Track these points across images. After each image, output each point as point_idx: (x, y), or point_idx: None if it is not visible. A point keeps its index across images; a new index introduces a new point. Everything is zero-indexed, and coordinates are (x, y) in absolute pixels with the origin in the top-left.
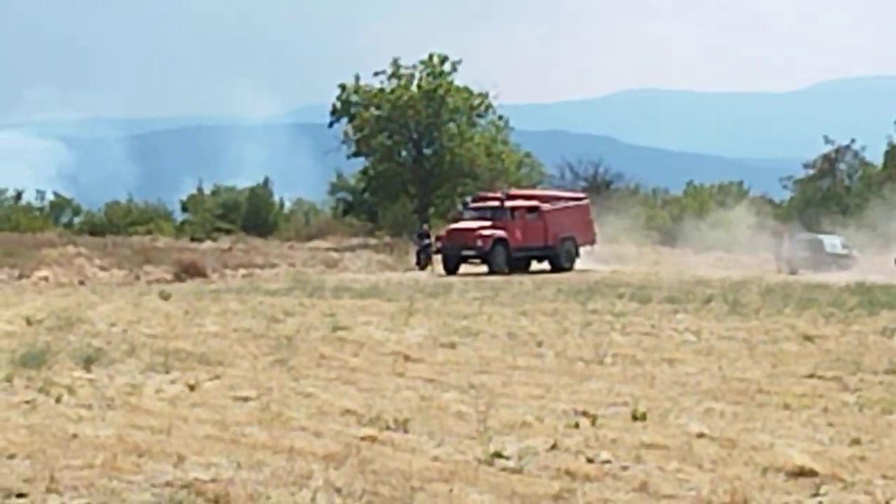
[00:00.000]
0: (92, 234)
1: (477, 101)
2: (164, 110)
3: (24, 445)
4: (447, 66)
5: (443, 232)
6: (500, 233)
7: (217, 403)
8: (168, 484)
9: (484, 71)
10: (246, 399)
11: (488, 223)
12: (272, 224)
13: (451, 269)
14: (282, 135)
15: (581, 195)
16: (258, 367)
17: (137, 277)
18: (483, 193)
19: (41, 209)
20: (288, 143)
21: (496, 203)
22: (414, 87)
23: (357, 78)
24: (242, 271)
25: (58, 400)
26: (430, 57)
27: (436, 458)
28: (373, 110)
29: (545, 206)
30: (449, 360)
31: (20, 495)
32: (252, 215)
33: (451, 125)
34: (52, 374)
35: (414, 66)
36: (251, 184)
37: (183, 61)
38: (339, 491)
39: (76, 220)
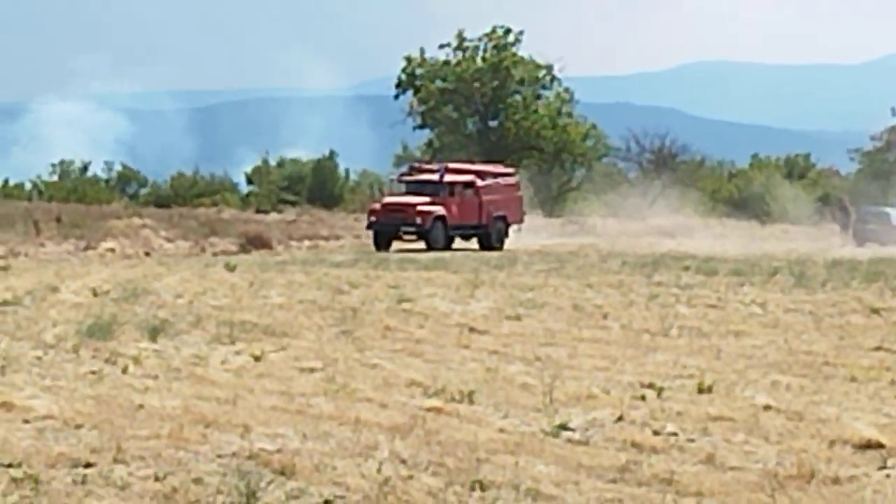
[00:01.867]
0: (158, 205)
1: (542, 73)
2: (225, 83)
3: (91, 416)
4: (511, 38)
5: (376, 206)
6: (440, 210)
7: (283, 374)
8: (234, 454)
9: (549, 43)
10: (311, 370)
11: (426, 199)
12: (337, 196)
13: (383, 246)
14: (342, 107)
15: (511, 170)
16: (323, 339)
17: (203, 249)
18: (419, 165)
19: (108, 181)
20: (349, 115)
21: (434, 177)
22: (479, 60)
23: (422, 51)
24: (307, 243)
25: (124, 371)
26: (494, 29)
27: (501, 430)
28: (438, 83)
29: (480, 183)
30: (514, 331)
31: (87, 465)
32: (317, 187)
33: (517, 97)
34: (119, 345)
35: (479, 39)
36: (315, 156)
37: (246, 33)
38: (404, 462)
39: (142, 191)
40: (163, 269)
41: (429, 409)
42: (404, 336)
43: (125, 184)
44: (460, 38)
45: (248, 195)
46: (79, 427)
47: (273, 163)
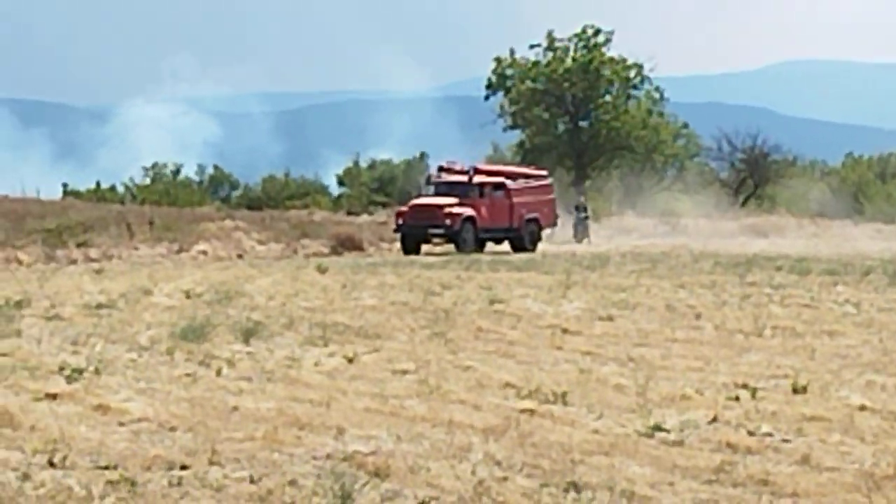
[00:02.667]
0: (249, 208)
1: (632, 73)
2: (312, 85)
3: (186, 418)
4: (601, 38)
5: (404, 208)
6: (469, 211)
7: (376, 376)
8: (328, 456)
9: (640, 43)
10: (404, 372)
11: (455, 200)
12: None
13: (412, 249)
14: (431, 108)
15: (543, 173)
16: (416, 340)
17: (295, 251)
18: (447, 166)
19: (200, 184)
20: (437, 116)
21: (463, 178)
22: (569, 60)
23: (512, 51)
24: (398, 244)
25: (218, 373)
26: (584, 29)
27: (595, 431)
28: (528, 83)
29: (511, 184)
30: (607, 332)
31: (183, 467)
32: (409, 188)
33: (607, 98)
34: (212, 347)
35: (569, 39)
36: (405, 157)
37: (334, 36)
38: (499, 464)
39: (234, 194)
40: (255, 271)
41: (522, 411)
42: (497, 337)
43: (217, 186)
44: (550, 38)
45: (339, 197)
46: (173, 429)
47: (364, 164)
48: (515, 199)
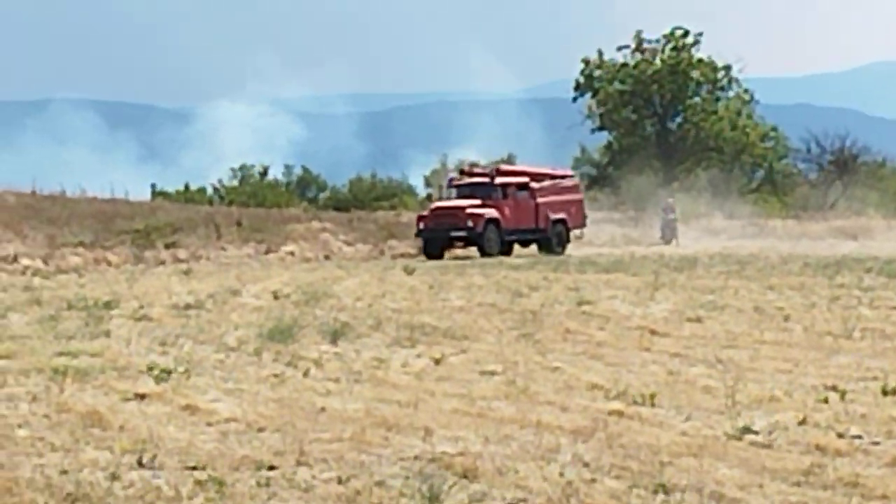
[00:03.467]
0: (336, 209)
1: (720, 75)
2: (396, 87)
3: (274, 419)
4: (689, 40)
5: (425, 211)
6: (493, 212)
7: (463, 377)
8: (416, 457)
9: (729, 44)
10: (492, 373)
11: (477, 202)
12: None
13: (435, 254)
14: (516, 110)
15: (570, 172)
16: (503, 342)
17: (382, 252)
18: (469, 168)
19: (287, 185)
20: (523, 118)
21: (485, 179)
22: (657, 62)
23: (600, 53)
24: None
25: (305, 374)
26: (673, 31)
27: (684, 433)
28: (616, 85)
29: (536, 185)
30: (695, 334)
31: (271, 468)
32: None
33: (696, 99)
34: (300, 347)
35: (657, 41)
36: (493, 158)
37: (419, 38)
38: (587, 465)
39: (321, 195)
40: (342, 272)
41: (611, 413)
42: (585, 339)
43: (304, 188)
44: (639, 39)
45: (426, 198)
46: (262, 430)
47: (451, 165)
48: (541, 200)
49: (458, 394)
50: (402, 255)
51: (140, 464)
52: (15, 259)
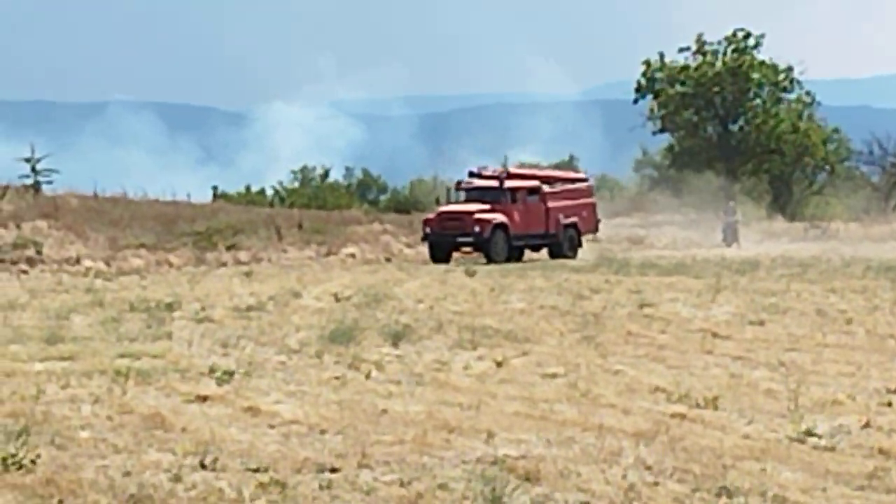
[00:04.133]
0: (397, 211)
1: (781, 77)
2: (454, 88)
3: (336, 421)
4: (751, 42)
5: (431, 215)
6: (500, 217)
7: (525, 380)
8: (478, 460)
9: (791, 46)
10: (554, 376)
11: (485, 206)
12: None
13: (442, 258)
14: (574, 112)
15: (583, 175)
16: (565, 344)
17: None
18: (478, 170)
19: (348, 187)
20: (582, 119)
21: (494, 183)
22: (719, 64)
23: (661, 55)
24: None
25: (367, 376)
26: (734, 33)
27: (746, 436)
28: (678, 87)
29: (547, 188)
30: (757, 337)
31: (333, 470)
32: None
33: (757, 101)
34: (361, 350)
35: (718, 43)
36: (552, 160)
37: (476, 39)
38: (649, 468)
39: (381, 197)
40: (403, 274)
41: (673, 415)
42: (646, 341)
43: (364, 190)
44: (700, 41)
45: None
46: (323, 432)
47: (512, 168)
48: (551, 204)
49: (520, 396)
50: (464, 258)
51: (202, 465)
52: (77, 261)
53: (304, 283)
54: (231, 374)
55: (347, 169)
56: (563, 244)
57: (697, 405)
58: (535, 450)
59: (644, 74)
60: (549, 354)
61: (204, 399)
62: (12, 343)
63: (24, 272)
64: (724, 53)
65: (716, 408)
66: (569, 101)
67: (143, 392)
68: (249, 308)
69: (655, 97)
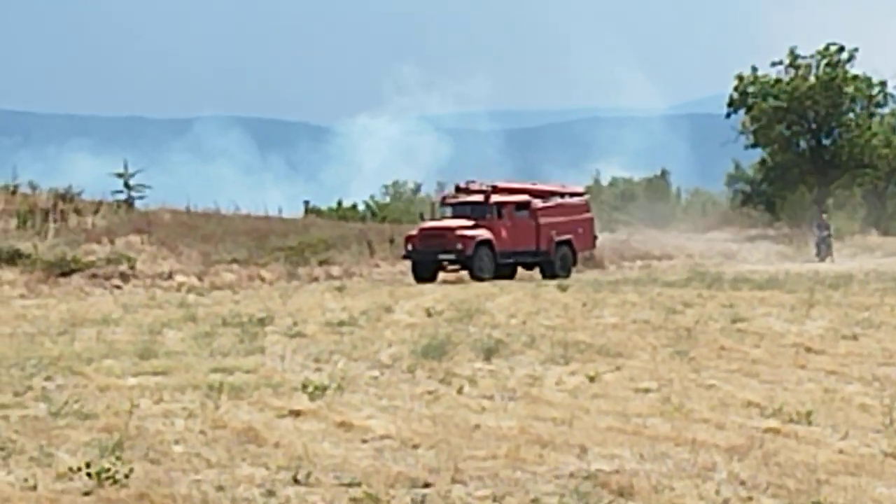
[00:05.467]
0: None
1: (875, 91)
2: (543, 102)
3: (428, 436)
4: (844, 56)
5: (414, 231)
6: (484, 233)
7: (618, 395)
8: (572, 475)
9: (885, 60)
10: (647, 390)
11: (469, 222)
12: (669, 215)
13: (426, 277)
14: (663, 126)
15: (579, 190)
16: (658, 359)
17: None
18: (464, 185)
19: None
20: (670, 134)
21: (479, 198)
22: (812, 78)
23: (754, 69)
24: (640, 262)
25: (459, 391)
26: (827, 47)
27: (841, 451)
28: (770, 101)
29: (538, 203)
30: (851, 351)
31: (426, 485)
32: (649, 206)
33: (850, 115)
34: (454, 364)
35: (811, 56)
36: (645, 175)
37: (563, 53)
38: (743, 483)
39: None
40: (495, 289)
41: (766, 430)
42: (739, 356)
43: None
44: (793, 55)
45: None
46: (416, 447)
47: (604, 182)
48: (542, 220)
49: (612, 411)
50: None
51: (295, 480)
52: (170, 276)
53: (396, 297)
54: (324, 388)
55: (439, 184)
56: (555, 262)
57: (791, 420)
58: (629, 465)
59: (736, 88)
60: (641, 369)
61: (297, 414)
62: (106, 358)
63: (118, 287)
64: (818, 67)
65: (810, 423)
66: (659, 115)
67: (236, 407)
68: (342, 323)
69: (748, 111)
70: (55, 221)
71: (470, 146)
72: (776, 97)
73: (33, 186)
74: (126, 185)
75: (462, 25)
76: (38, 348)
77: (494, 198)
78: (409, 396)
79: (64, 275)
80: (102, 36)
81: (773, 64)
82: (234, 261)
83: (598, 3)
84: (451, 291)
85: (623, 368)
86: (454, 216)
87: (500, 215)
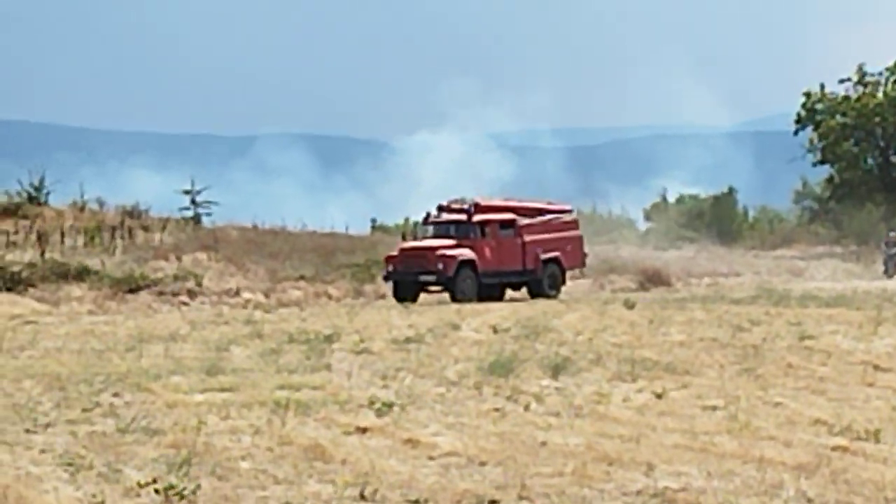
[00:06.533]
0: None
1: None
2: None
3: (495, 453)
4: None
5: (394, 252)
6: (467, 253)
7: (685, 412)
8: (638, 493)
9: None
10: (714, 408)
11: (451, 241)
12: (736, 232)
13: (408, 299)
14: (727, 144)
15: (567, 208)
16: (725, 376)
17: (602, 286)
18: (447, 203)
19: None
20: (734, 152)
21: (462, 216)
22: (880, 94)
23: (822, 86)
24: (707, 280)
25: (526, 408)
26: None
27: None
28: (838, 118)
29: (523, 221)
30: None
31: (492, 502)
32: (716, 223)
33: None
34: (520, 381)
35: (879, 73)
36: (711, 192)
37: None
38: (810, 501)
39: None
40: (562, 306)
41: (834, 448)
42: (807, 374)
43: None
44: (861, 72)
45: (646, 232)
46: (483, 464)
47: (671, 199)
48: (528, 238)
49: (679, 429)
50: (622, 289)
51: (362, 497)
52: (237, 292)
53: (462, 314)
54: (390, 405)
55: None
56: (542, 281)
57: (859, 438)
58: (696, 482)
59: (804, 106)
60: (708, 386)
61: (363, 430)
62: (173, 374)
63: (185, 304)
64: (886, 84)
65: (878, 440)
66: (723, 132)
67: (303, 423)
68: (408, 340)
69: (815, 128)
70: (123, 238)
71: (532, 163)
72: (844, 114)
73: (101, 203)
74: (193, 201)
75: (522, 41)
76: (106, 364)
77: (477, 216)
78: (476, 413)
79: (131, 291)
80: (164, 54)
81: (841, 81)
82: (301, 277)
83: (661, 20)
84: (517, 308)
85: (690, 386)
86: (436, 236)
87: (483, 234)
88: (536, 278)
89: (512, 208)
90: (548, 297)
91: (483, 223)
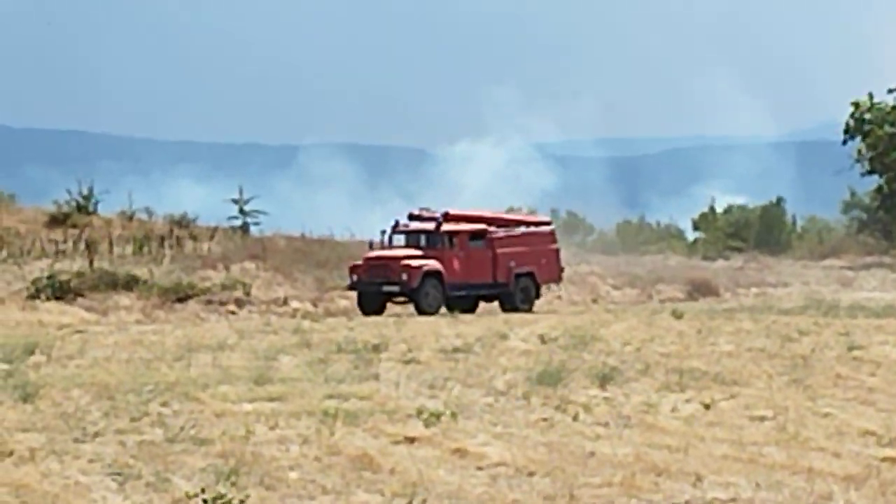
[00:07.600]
0: (603, 253)
1: None
2: (652, 130)
3: (543, 463)
4: None
5: (359, 262)
6: (433, 264)
7: (733, 423)
8: (687, 503)
9: None
10: (762, 419)
11: (418, 252)
12: (784, 242)
13: (372, 310)
14: (773, 154)
15: (544, 219)
16: (773, 387)
17: (650, 296)
18: (417, 212)
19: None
20: (781, 162)
21: (430, 226)
22: None
23: (871, 95)
24: (755, 290)
25: (574, 418)
26: None
27: None
28: (887, 128)
29: (496, 232)
30: None
31: None
32: (764, 233)
33: None
34: (568, 392)
35: None
36: (760, 202)
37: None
38: None
39: (588, 238)
40: (610, 316)
41: (884, 459)
42: (856, 384)
43: (570, 231)
44: None
45: (694, 242)
46: (531, 474)
47: (719, 209)
48: (500, 250)
49: (728, 439)
50: (671, 299)
51: None
52: (285, 302)
53: (510, 324)
54: (438, 415)
55: (552, 210)
56: (514, 294)
57: None
58: (744, 493)
59: (853, 115)
60: (757, 397)
61: (411, 440)
62: (222, 383)
63: (233, 313)
64: None
65: None
66: (769, 142)
67: (351, 433)
68: (456, 350)
69: (864, 138)
70: (171, 247)
71: (576, 173)
72: (893, 124)
73: (149, 212)
74: (241, 211)
75: (564, 51)
76: (155, 374)
77: (447, 226)
78: (524, 423)
79: (180, 300)
80: (207, 63)
81: (890, 91)
82: (349, 287)
83: (706, 29)
84: (565, 318)
85: (738, 396)
86: (407, 245)
87: (451, 244)
88: (508, 292)
89: (485, 219)
90: (520, 311)
91: (451, 233)
